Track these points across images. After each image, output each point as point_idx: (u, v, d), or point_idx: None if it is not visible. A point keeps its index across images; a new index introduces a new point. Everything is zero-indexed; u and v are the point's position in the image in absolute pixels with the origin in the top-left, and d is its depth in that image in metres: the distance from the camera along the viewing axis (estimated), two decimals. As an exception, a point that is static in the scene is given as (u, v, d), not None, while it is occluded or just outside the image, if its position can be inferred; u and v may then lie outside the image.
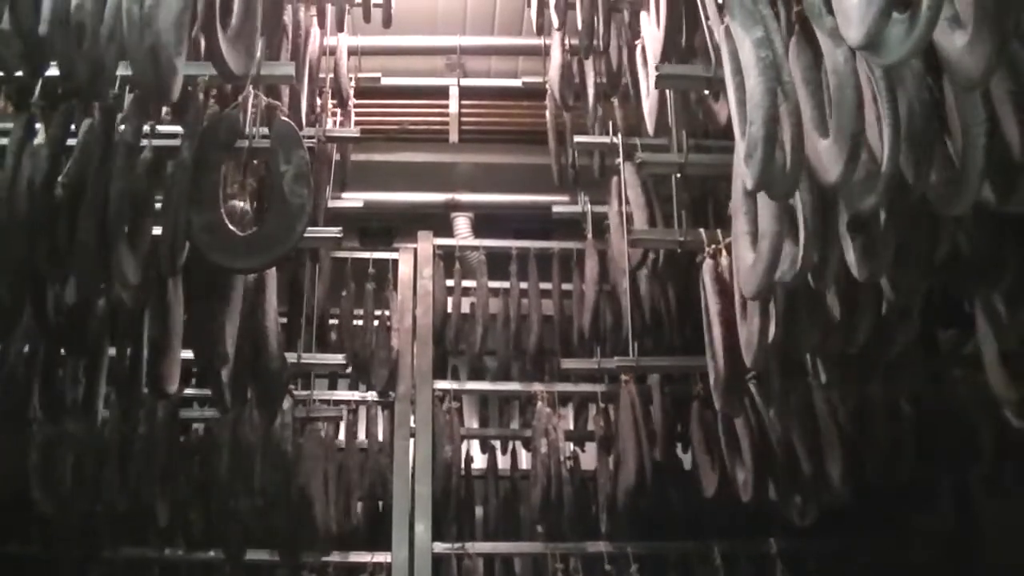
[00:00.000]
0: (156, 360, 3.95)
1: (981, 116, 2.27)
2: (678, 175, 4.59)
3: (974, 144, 2.30)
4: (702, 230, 4.16)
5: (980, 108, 2.27)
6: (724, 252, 3.73)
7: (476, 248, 6.47)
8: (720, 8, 3.00)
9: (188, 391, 5.33)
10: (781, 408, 4.35)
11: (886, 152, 2.35)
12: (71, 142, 3.34)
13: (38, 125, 3.35)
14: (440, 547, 5.57)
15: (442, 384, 6.08)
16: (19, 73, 3.05)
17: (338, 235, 4.38)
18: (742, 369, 3.68)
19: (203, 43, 3.33)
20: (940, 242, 2.90)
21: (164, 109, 3.87)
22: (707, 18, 3.41)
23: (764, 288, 3.02)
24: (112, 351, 4.10)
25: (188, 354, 4.19)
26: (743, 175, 2.55)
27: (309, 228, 4.51)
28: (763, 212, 2.87)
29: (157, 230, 3.47)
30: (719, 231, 3.94)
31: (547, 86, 6.06)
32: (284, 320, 5.16)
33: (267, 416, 4.88)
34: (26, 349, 3.92)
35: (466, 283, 6.36)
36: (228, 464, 5.15)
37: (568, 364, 5.70)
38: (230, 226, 3.42)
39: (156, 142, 3.59)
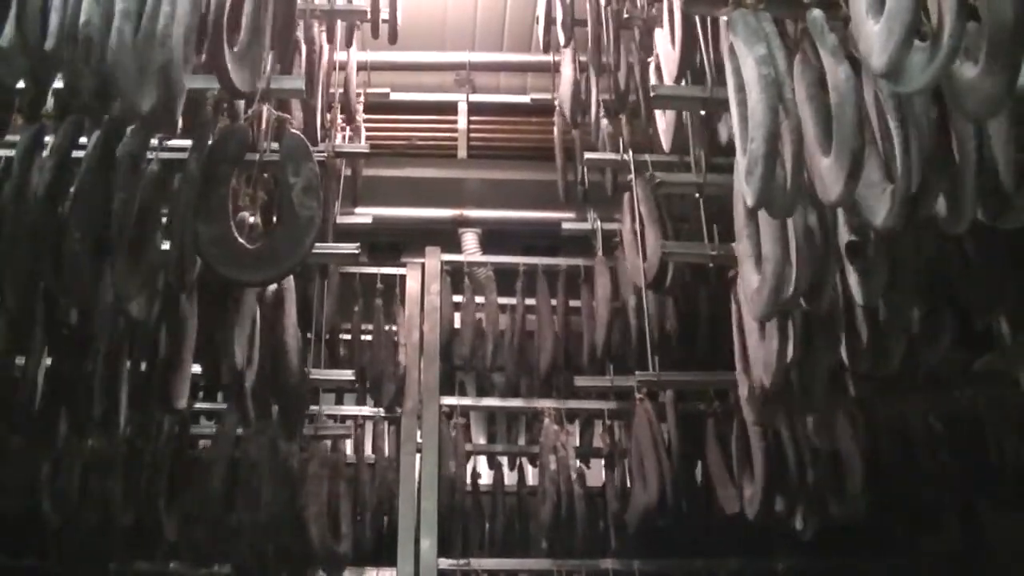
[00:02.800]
0: (167, 375, 3.95)
1: (970, 132, 2.27)
2: (697, 195, 4.54)
3: (967, 161, 2.30)
4: (734, 244, 4.11)
5: (970, 125, 2.27)
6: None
7: (484, 264, 6.47)
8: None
9: (197, 405, 5.33)
10: (821, 420, 4.28)
11: (899, 170, 2.34)
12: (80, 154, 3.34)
13: (48, 137, 3.36)
14: (446, 563, 5.56)
15: (449, 400, 6.07)
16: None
17: (355, 251, 4.39)
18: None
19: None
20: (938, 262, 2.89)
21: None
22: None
23: (771, 311, 3.00)
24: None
25: (196, 368, 4.19)
26: (744, 192, 2.55)
27: (323, 244, 4.56)
28: (765, 235, 2.86)
29: (166, 243, 3.47)
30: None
31: (556, 102, 6.06)
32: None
33: (289, 431, 4.88)
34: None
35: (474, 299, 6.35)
36: (233, 479, 5.13)
37: (581, 382, 5.69)
38: (239, 239, 3.40)
39: (164, 155, 3.58)
